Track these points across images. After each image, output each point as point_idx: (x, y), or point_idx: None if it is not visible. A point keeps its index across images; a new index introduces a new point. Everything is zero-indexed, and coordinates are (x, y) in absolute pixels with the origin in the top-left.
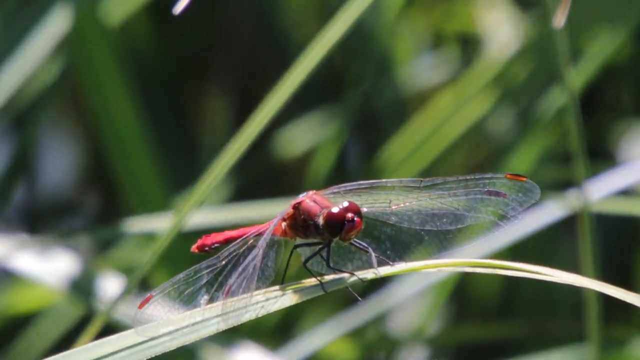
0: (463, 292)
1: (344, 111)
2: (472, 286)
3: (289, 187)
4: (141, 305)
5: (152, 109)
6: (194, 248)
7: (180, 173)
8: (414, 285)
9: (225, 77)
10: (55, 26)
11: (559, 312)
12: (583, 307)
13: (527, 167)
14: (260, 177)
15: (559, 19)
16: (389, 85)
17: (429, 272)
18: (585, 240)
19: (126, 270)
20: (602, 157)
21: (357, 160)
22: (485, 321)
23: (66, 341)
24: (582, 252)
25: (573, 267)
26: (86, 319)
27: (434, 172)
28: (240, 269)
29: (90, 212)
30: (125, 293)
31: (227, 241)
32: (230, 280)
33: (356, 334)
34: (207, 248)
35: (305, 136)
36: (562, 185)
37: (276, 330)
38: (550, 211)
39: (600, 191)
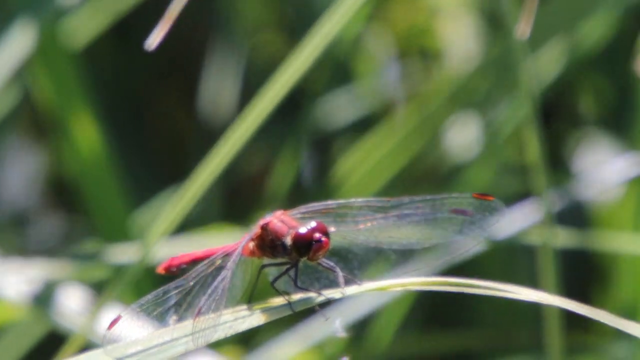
0: (424, 302)
1: (301, 126)
2: (433, 296)
3: (244, 206)
4: (110, 326)
5: (115, 127)
6: (160, 269)
7: (144, 191)
8: (377, 297)
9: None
10: (17, 47)
11: (520, 320)
12: (543, 315)
13: (487, 180)
14: (215, 194)
15: (523, 30)
16: (348, 99)
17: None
18: (545, 254)
19: (89, 283)
20: (558, 166)
21: (315, 177)
22: (447, 331)
23: (28, 359)
24: (542, 266)
25: (529, 276)
26: (49, 335)
27: (394, 186)
28: (209, 290)
29: (52, 230)
30: (93, 312)
31: (194, 262)
32: (200, 302)
33: (317, 346)
34: (174, 269)
35: (261, 153)
36: (524, 196)
37: (236, 340)
38: (510, 223)
39: (557, 203)
